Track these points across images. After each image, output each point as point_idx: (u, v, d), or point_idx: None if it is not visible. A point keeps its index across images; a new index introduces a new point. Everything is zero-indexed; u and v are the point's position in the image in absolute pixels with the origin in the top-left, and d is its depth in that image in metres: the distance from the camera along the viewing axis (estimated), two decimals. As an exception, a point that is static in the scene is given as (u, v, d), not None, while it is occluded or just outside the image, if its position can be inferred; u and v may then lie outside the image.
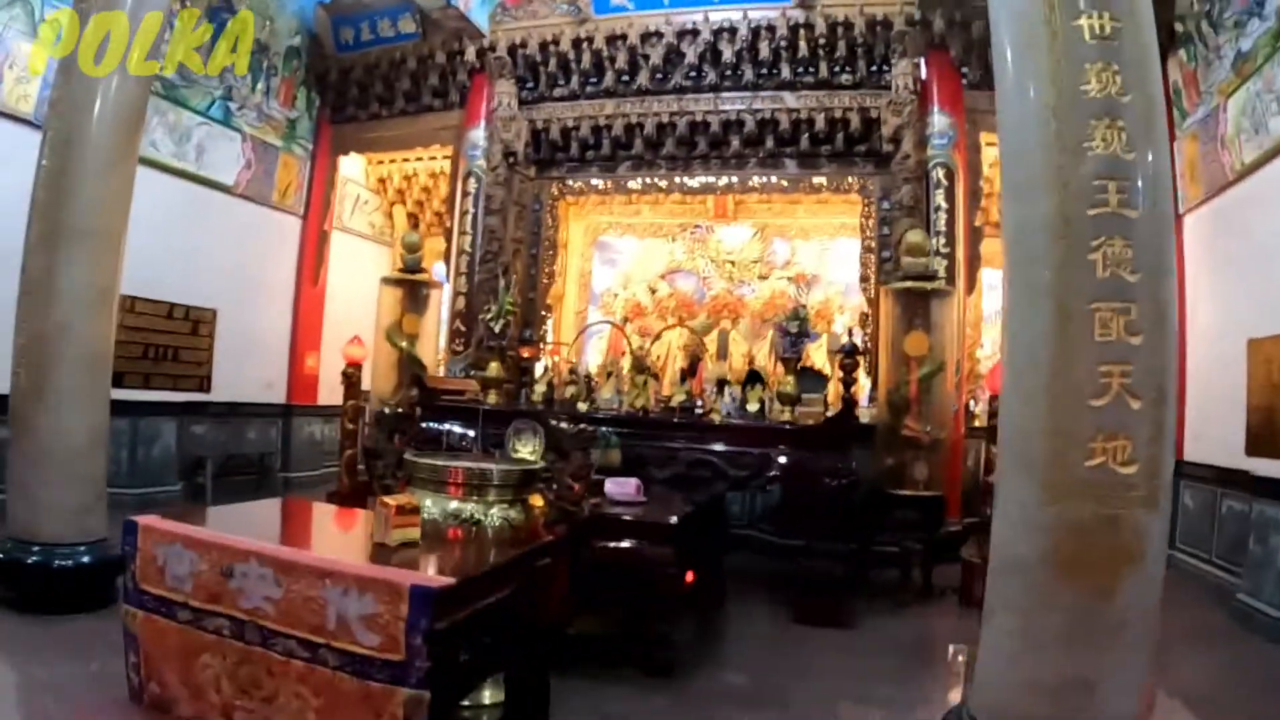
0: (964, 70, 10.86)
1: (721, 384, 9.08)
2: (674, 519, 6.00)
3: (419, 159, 13.79)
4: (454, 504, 4.52)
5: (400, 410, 8.54)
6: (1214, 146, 9.24)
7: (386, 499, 4.11)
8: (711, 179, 11.81)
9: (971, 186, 10.95)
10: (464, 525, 4.47)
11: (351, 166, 13.85)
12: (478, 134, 12.00)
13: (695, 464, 8.00)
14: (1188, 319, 9.78)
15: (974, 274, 10.69)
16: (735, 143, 11.35)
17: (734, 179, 11.74)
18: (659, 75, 11.53)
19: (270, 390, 12.85)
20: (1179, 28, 9.95)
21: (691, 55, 11.26)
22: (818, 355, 11.95)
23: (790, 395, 8.41)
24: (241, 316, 12.10)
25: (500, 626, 3.91)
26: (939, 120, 10.76)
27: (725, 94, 11.38)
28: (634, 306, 13.06)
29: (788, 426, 8.17)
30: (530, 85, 11.90)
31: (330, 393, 13.02)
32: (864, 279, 11.21)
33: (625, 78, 11.64)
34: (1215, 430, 8.85)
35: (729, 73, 11.32)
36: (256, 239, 12.46)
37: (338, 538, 4.84)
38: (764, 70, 11.16)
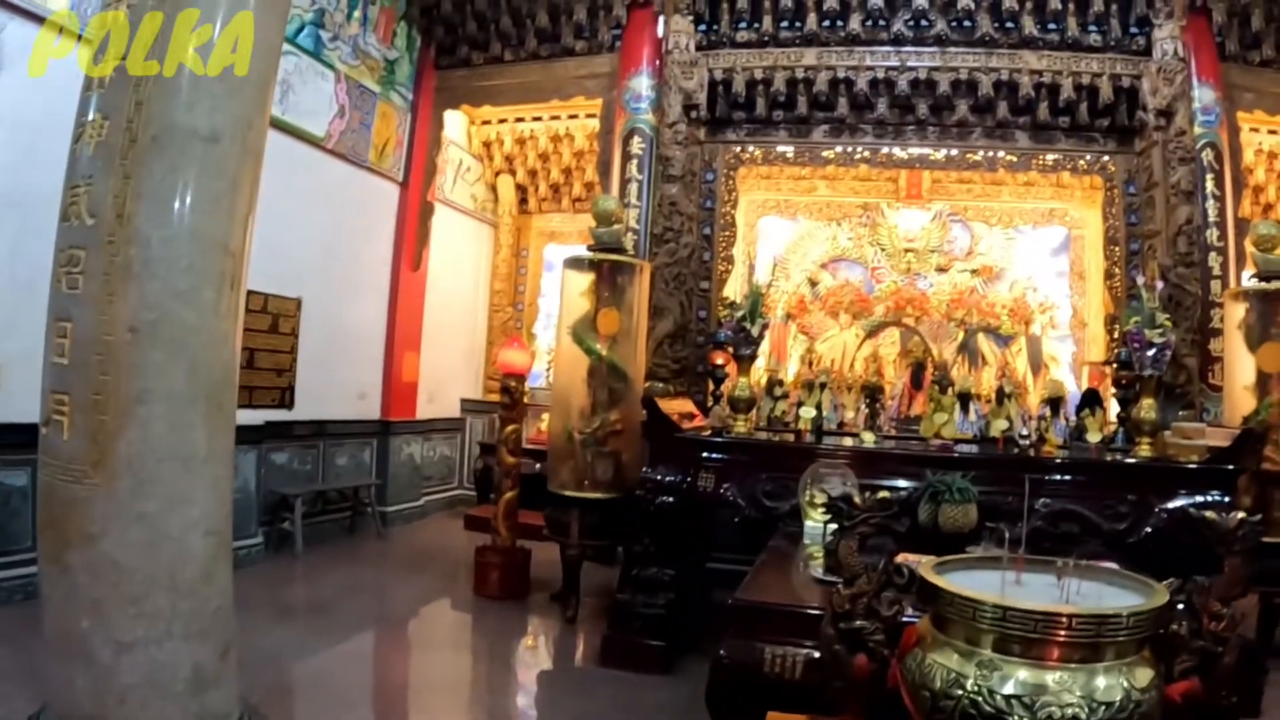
0: (1220, 39, 9.10)
1: (1054, 406, 7.29)
2: None
3: (537, 118, 11.25)
4: (1055, 677, 2.38)
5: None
6: None
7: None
8: (928, 150, 9.68)
9: (1234, 173, 9.07)
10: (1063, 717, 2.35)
11: (452, 126, 11.30)
12: (640, 82, 9.40)
13: (1059, 517, 5.99)
14: None
15: (1240, 273, 8.91)
16: (962, 108, 9.20)
17: (954, 151, 9.62)
18: (875, 20, 9.23)
19: (364, 403, 10.28)
20: None
21: None
22: (1017, 362, 10.26)
23: (1153, 423, 6.67)
24: (331, 308, 9.58)
25: None
26: (1203, 94, 8.87)
27: (953, 49, 9.15)
28: (797, 301, 10.90)
29: (1174, 465, 6.47)
30: (705, 26, 9.55)
31: (430, 403, 11.14)
32: (1109, 274, 9.36)
33: (832, 21, 9.27)
34: None
35: (961, 23, 9.15)
36: (349, 208, 9.87)
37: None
38: (1003, 23, 9.12)
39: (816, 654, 3.32)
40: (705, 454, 6.43)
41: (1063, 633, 2.41)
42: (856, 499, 3.16)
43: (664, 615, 6.04)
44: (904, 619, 3.00)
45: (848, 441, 6.82)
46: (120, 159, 3.12)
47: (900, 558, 3.33)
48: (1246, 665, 5.77)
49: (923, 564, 2.85)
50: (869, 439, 6.85)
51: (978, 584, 2.71)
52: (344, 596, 7.32)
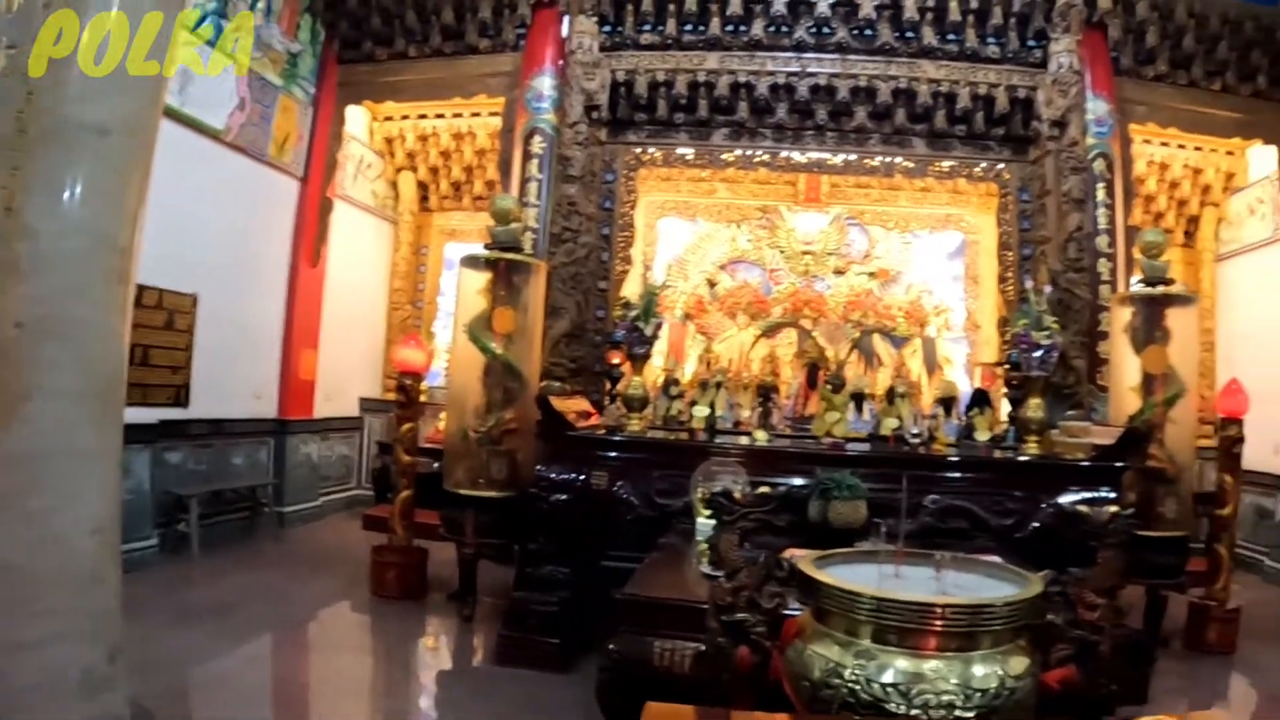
0: (1115, 54, 9.55)
1: (946, 406, 7.65)
2: None
3: (440, 115, 11.27)
4: (931, 665, 2.53)
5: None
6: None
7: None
8: (827, 155, 9.86)
9: (1125, 182, 9.45)
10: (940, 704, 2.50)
11: (354, 122, 11.21)
12: (543, 82, 9.40)
13: (948, 513, 6.23)
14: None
15: (1129, 278, 9.28)
16: (861, 114, 9.46)
17: (852, 156, 9.82)
18: (777, 26, 9.39)
19: (260, 402, 10.10)
20: None
21: (822, 5, 9.30)
22: (912, 363, 10.38)
23: (1041, 423, 6.98)
24: (228, 305, 9.38)
25: None
26: (1096, 106, 9.26)
27: (853, 56, 9.38)
28: (695, 302, 10.86)
29: (1060, 463, 6.74)
30: (609, 27, 9.58)
31: (328, 403, 11.01)
32: (1002, 279, 9.73)
33: (735, 26, 9.42)
34: None
35: (862, 31, 9.38)
36: (248, 203, 9.70)
37: None
38: (903, 33, 9.38)
39: (705, 647, 3.39)
40: (599, 452, 6.52)
41: (938, 623, 2.54)
42: (737, 495, 3.27)
43: (559, 613, 6.09)
44: (787, 612, 3.11)
45: (741, 440, 6.96)
46: (9, 150, 3.08)
47: (788, 553, 3.41)
48: (1134, 655, 6.06)
49: (803, 558, 2.96)
50: (762, 437, 7.00)
51: (857, 577, 2.81)
52: (242, 598, 7.23)
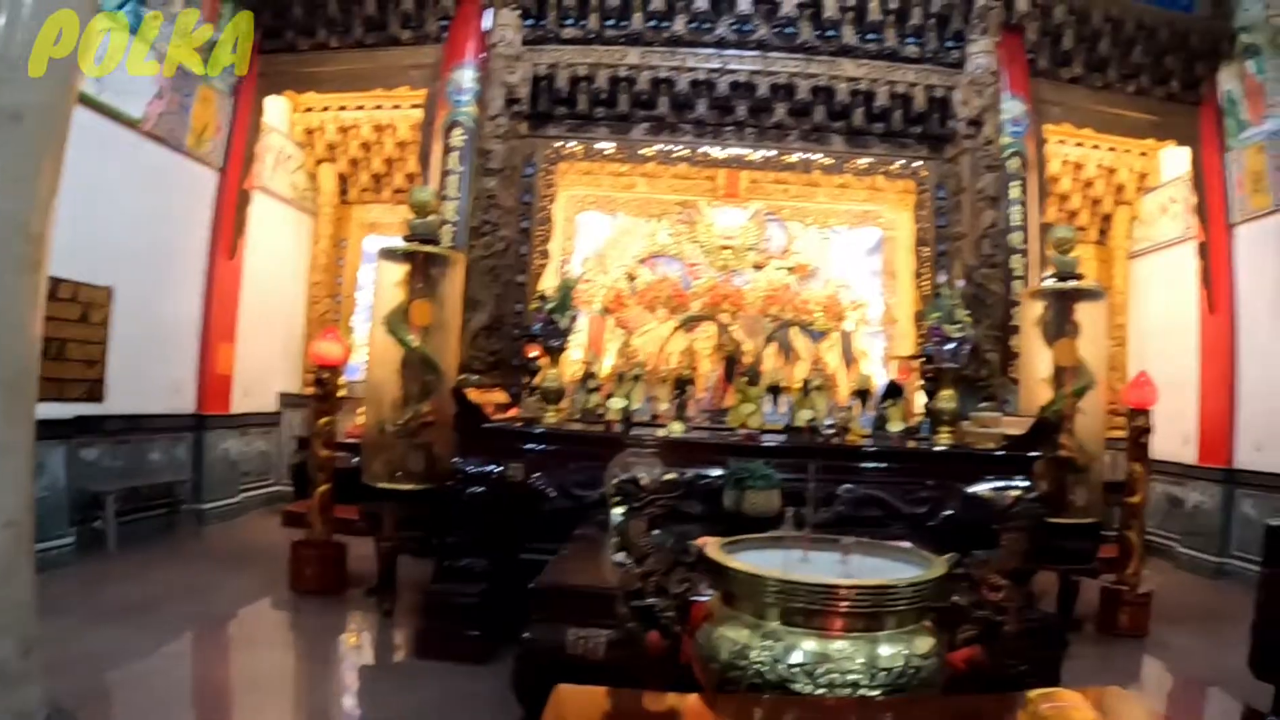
0: (1032, 56, 9.83)
1: (862, 398, 7.82)
2: None
3: (361, 107, 11.20)
4: (837, 646, 2.59)
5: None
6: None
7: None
8: (746, 151, 9.98)
9: (1039, 181, 9.75)
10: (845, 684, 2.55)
11: (274, 113, 11.12)
12: (464, 75, 9.42)
13: (862, 502, 6.45)
14: (1242, 328, 9.95)
15: (1042, 274, 9.51)
16: (781, 111, 9.56)
17: (771, 152, 9.96)
18: (699, 23, 9.49)
19: (178, 397, 9.93)
20: (1244, 38, 9.72)
21: (744, 3, 9.40)
22: (829, 357, 10.64)
23: (953, 413, 7.23)
24: (145, 298, 9.18)
25: None
26: (1012, 106, 9.53)
27: (776, 54, 9.50)
28: (615, 296, 11.03)
29: (971, 452, 6.99)
30: (532, 20, 9.57)
31: (246, 398, 10.88)
32: (918, 274, 9.99)
33: (657, 22, 9.48)
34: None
35: (784, 29, 9.49)
36: (166, 194, 9.49)
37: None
38: (824, 31, 9.49)
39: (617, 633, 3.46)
40: (516, 445, 6.60)
41: (843, 604, 2.61)
42: (644, 481, 3.33)
43: (479, 605, 6.15)
44: (696, 597, 3.17)
45: (658, 432, 7.07)
46: (-81, 135, 3.06)
47: (701, 541, 3.47)
48: (1046, 637, 6.25)
49: (710, 544, 3.04)
50: (677, 429, 7.11)
51: (765, 563, 2.87)
52: (161, 596, 7.15)
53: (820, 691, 2.56)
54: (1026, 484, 6.45)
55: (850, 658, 2.59)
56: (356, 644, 6.82)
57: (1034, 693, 2.17)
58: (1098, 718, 2.04)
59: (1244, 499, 9.63)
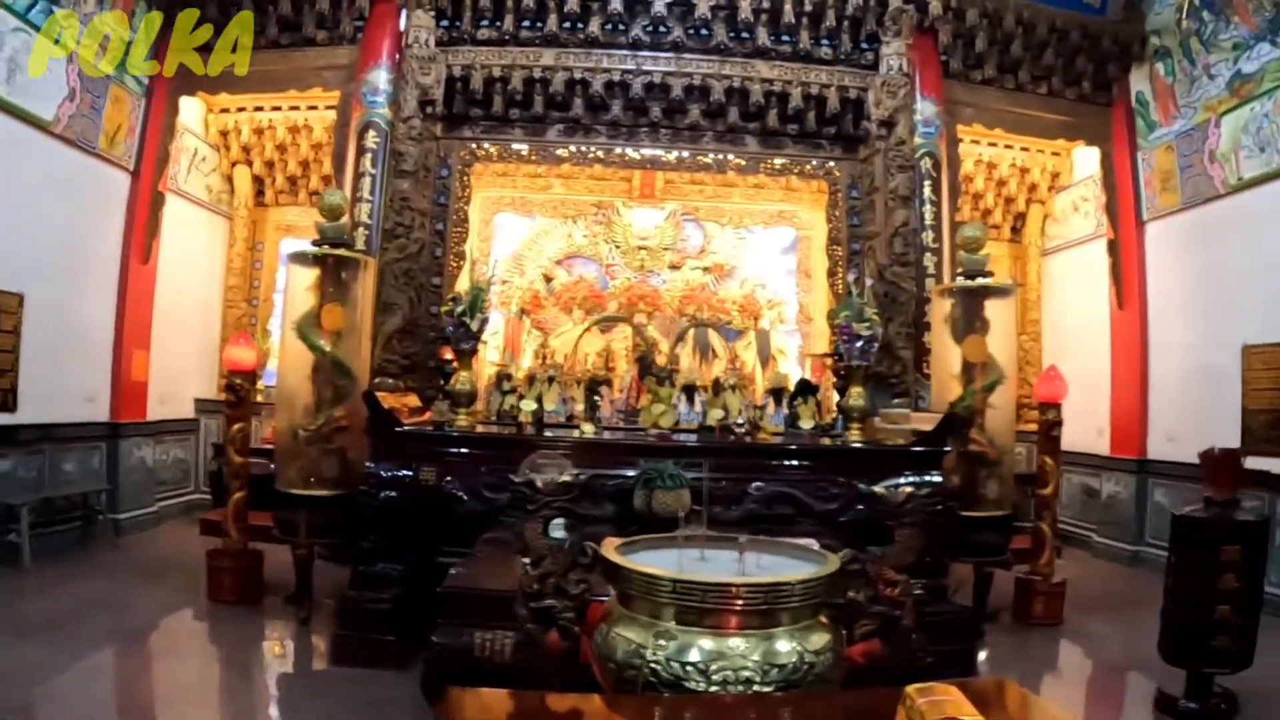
0: (945, 58, 9.97)
1: (777, 396, 7.81)
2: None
3: (276, 108, 11.03)
4: (731, 644, 2.65)
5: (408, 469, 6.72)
6: (1199, 159, 9.44)
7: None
8: (661, 151, 10.14)
9: (951, 180, 9.89)
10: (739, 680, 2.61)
11: (188, 113, 10.88)
12: (379, 76, 9.36)
13: (773, 500, 6.55)
14: (1153, 323, 10.31)
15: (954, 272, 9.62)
16: (695, 112, 9.76)
17: (686, 153, 10.13)
18: (614, 24, 9.60)
19: (93, 405, 9.71)
20: (1155, 41, 10.10)
21: (659, 4, 9.50)
22: (746, 355, 10.94)
23: (863, 410, 7.41)
24: (57, 305, 9.00)
25: None
26: (925, 107, 9.67)
27: (690, 55, 9.65)
28: (531, 297, 11.22)
29: (881, 448, 7.13)
30: (446, 22, 9.63)
31: (162, 405, 10.71)
32: (832, 273, 10.19)
33: (572, 23, 9.59)
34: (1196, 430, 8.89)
35: (698, 31, 9.65)
36: (77, 198, 9.29)
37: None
38: (738, 33, 9.66)
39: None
40: (430, 449, 6.61)
41: (736, 602, 2.68)
42: (539, 484, 3.40)
43: (393, 610, 6.16)
44: (594, 597, 3.22)
45: (571, 434, 7.12)
46: None
47: (607, 541, 3.53)
48: (961, 629, 6.42)
49: (606, 544, 3.11)
50: (589, 430, 7.14)
51: (661, 562, 2.94)
52: (78, 609, 7.04)
53: (714, 689, 2.60)
54: (938, 479, 6.51)
55: (744, 655, 2.64)
56: (276, 653, 6.77)
57: (911, 687, 2.25)
58: (973, 710, 2.10)
59: (1157, 488, 9.91)
